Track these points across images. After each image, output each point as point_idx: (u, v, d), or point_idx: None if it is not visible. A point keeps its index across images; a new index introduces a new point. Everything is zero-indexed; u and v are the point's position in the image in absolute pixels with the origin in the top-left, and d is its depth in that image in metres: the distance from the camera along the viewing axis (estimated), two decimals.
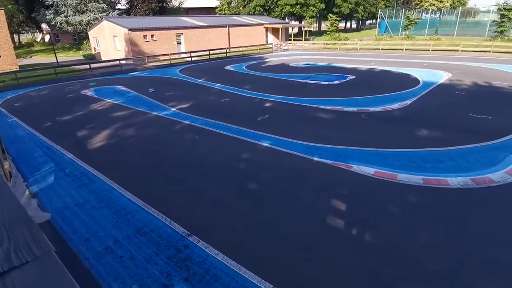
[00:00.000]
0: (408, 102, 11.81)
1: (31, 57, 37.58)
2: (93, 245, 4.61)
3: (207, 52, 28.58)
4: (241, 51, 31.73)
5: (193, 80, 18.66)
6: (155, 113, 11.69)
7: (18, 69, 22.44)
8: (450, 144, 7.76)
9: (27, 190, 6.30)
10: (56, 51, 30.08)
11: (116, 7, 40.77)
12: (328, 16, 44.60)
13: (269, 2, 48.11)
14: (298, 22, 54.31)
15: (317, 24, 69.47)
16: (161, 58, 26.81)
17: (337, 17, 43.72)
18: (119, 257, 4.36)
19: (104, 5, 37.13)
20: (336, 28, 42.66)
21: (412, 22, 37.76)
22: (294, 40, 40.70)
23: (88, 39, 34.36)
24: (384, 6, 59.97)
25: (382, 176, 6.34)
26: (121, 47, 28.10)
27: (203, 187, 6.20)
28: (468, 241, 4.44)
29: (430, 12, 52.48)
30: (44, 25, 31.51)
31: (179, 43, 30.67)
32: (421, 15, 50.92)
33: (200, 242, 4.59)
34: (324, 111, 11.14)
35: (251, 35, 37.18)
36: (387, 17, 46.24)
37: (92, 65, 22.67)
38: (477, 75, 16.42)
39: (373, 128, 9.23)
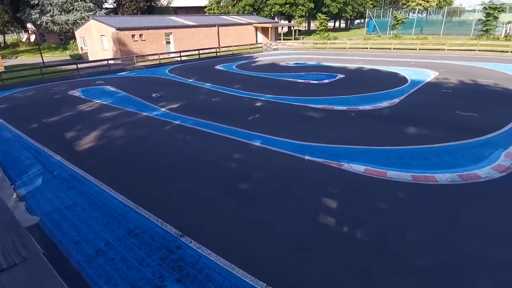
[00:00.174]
0: (397, 100, 11.98)
1: (16, 57, 36.73)
2: (84, 248, 4.54)
3: (196, 52, 28.42)
4: (231, 50, 31.65)
5: (183, 80, 18.53)
6: (144, 113, 11.57)
7: (3, 70, 21.91)
8: (437, 141, 7.90)
9: (14, 193, 6.16)
10: (42, 51, 29.47)
11: (103, 6, 40.16)
12: (317, 15, 44.87)
13: (258, 2, 48.10)
14: (287, 21, 54.46)
15: (307, 24, 69.80)
16: (150, 58, 26.54)
17: (326, 16, 44.03)
18: (110, 259, 4.30)
19: (91, 4, 36.54)
20: (325, 27, 42.96)
21: (399, 21, 38.31)
22: (284, 39, 40.82)
23: (75, 38, 33.78)
24: (372, 5, 60.63)
25: (372, 173, 6.41)
26: (109, 47, 27.71)
27: (195, 187, 6.17)
28: (457, 237, 4.54)
29: (417, 11, 53.30)
30: (29, 25, 30.80)
31: (168, 42, 30.42)
32: (408, 15, 51.69)
33: (192, 242, 4.57)
34: (314, 110, 11.21)
35: (240, 35, 37.13)
36: (375, 17, 46.78)
37: (79, 65, 22.30)
38: (463, 74, 16.76)
39: (363, 126, 9.33)
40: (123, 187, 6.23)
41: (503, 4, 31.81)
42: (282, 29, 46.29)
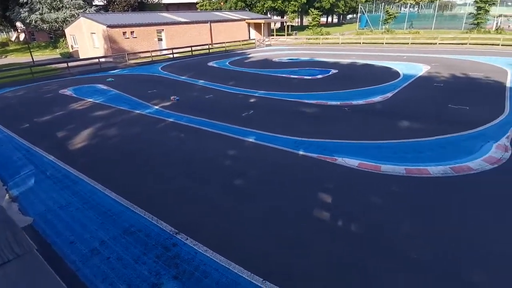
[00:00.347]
0: (390, 94, 12.06)
1: (6, 56, 36.10)
2: (79, 248, 4.52)
3: (189, 49, 28.22)
4: (224, 47, 31.49)
5: (176, 77, 18.41)
6: (138, 111, 11.49)
7: None
8: (430, 135, 7.99)
9: (7, 194, 6.09)
10: (31, 50, 29.01)
11: (93, 3, 39.56)
12: (309, 10, 44.81)
13: None
14: (280, 17, 54.33)
15: (299, 19, 69.70)
16: (142, 55, 26.29)
17: (318, 11, 43.98)
18: (106, 258, 4.29)
19: (81, 1, 35.95)
20: (317, 22, 42.94)
21: (391, 16, 38.44)
22: (276, 35, 40.73)
23: (65, 36, 33.28)
24: (364, 0, 60.73)
25: (366, 167, 6.47)
26: (99, 45, 27.37)
27: (190, 185, 6.16)
28: (449, 229, 4.61)
29: (408, 6, 53.54)
30: (19, 24, 30.19)
31: (160, 39, 30.14)
32: (400, 9, 51.93)
33: (188, 239, 4.57)
34: (308, 105, 11.24)
35: (233, 31, 36.94)
36: (367, 12, 46.89)
37: (70, 64, 22.01)
38: (454, 67, 16.91)
39: (356, 121, 9.38)
40: (118, 186, 6.19)
41: None
42: (274, 25, 46.14)
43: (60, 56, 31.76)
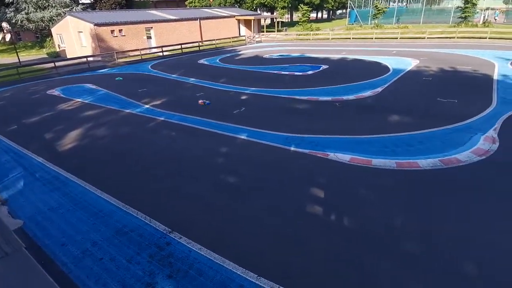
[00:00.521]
0: (380, 89, 12.16)
1: None
2: (70, 250, 4.47)
3: (179, 46, 27.96)
4: (214, 44, 31.30)
5: (166, 75, 18.25)
6: (128, 110, 11.37)
7: None
8: (419, 128, 8.09)
9: None
10: (18, 51, 28.39)
11: (80, 2, 38.88)
12: (299, 6, 44.74)
13: None
14: (270, 13, 54.17)
15: (289, 15, 69.61)
16: (131, 53, 25.96)
17: (308, 7, 43.95)
18: (98, 259, 4.25)
19: (67, 0, 35.30)
20: (307, 18, 42.89)
21: (380, 11, 38.62)
22: (267, 31, 40.61)
23: (52, 36, 32.64)
24: None
25: (357, 162, 6.52)
26: (87, 44, 26.93)
27: (183, 184, 6.14)
28: (440, 221, 4.68)
29: (397, 1, 53.86)
30: (4, 24, 29.36)
31: (149, 37, 29.80)
32: (389, 4, 52.16)
33: (182, 238, 4.57)
34: (299, 101, 11.26)
35: (223, 28, 36.71)
36: (357, 7, 47.02)
37: (57, 63, 21.62)
38: (442, 61, 17.12)
39: (347, 116, 9.45)
40: (109, 186, 6.13)
41: None
42: (264, 21, 46.03)
43: (47, 56, 31.15)
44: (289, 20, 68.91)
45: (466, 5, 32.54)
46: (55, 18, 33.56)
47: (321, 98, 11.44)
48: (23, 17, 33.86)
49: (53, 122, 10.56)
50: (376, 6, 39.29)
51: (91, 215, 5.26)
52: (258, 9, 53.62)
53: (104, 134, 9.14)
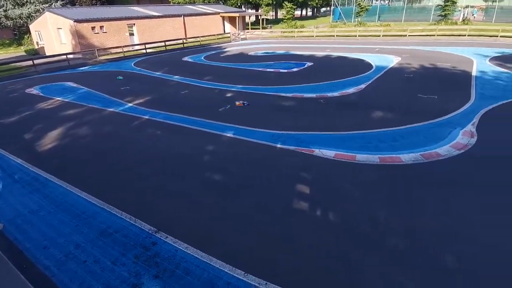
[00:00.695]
0: (363, 86, 12.35)
1: None
2: (53, 253, 4.36)
3: (163, 44, 27.55)
4: (199, 41, 30.98)
5: (149, 73, 17.95)
6: (111, 109, 11.13)
7: None
8: (401, 124, 8.27)
9: None
10: None
11: None
12: (283, 4, 44.80)
13: None
14: (254, 10, 54.02)
15: (274, 12, 69.61)
16: (113, 51, 25.40)
17: (292, 5, 44.06)
18: (82, 262, 4.16)
19: None
20: (292, 16, 43.05)
21: (363, 9, 39.13)
22: (251, 28, 40.52)
23: (30, 33, 31.55)
24: None
25: (342, 158, 6.62)
26: (67, 40, 26.16)
27: (168, 183, 6.07)
28: (421, 215, 4.81)
29: None
30: None
31: (131, 34, 29.22)
32: (372, 2, 52.90)
33: (168, 237, 4.52)
34: (284, 98, 11.31)
35: (208, 25, 36.38)
36: (340, 5, 47.46)
37: (36, 61, 20.89)
38: (423, 58, 17.53)
39: (332, 113, 9.55)
40: (91, 187, 6.00)
41: None
42: (249, 18, 45.87)
43: (25, 54, 30.11)
44: (274, 18, 68.93)
45: (446, 3, 33.33)
46: (33, 14, 32.44)
47: (306, 95, 11.52)
48: (1, 14, 32.58)
49: (32, 121, 10.23)
50: (359, 4, 39.78)
51: (74, 217, 5.14)
52: (242, 6, 53.38)
53: (86, 133, 8.93)
